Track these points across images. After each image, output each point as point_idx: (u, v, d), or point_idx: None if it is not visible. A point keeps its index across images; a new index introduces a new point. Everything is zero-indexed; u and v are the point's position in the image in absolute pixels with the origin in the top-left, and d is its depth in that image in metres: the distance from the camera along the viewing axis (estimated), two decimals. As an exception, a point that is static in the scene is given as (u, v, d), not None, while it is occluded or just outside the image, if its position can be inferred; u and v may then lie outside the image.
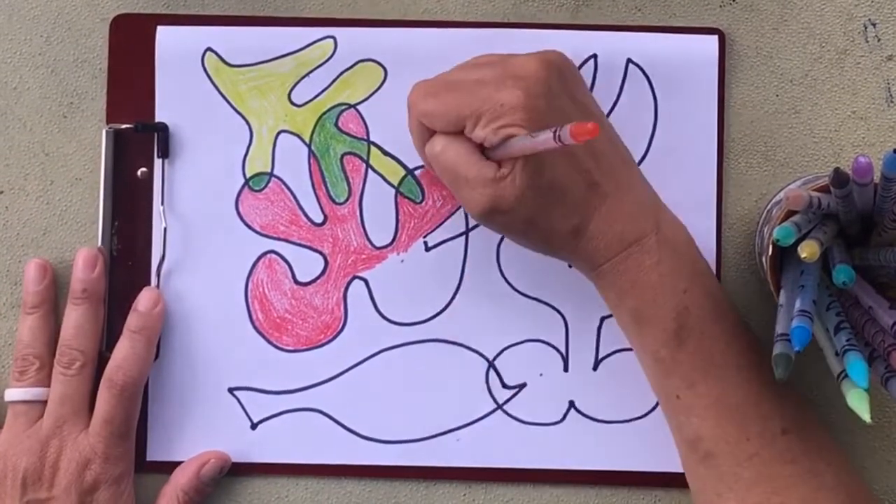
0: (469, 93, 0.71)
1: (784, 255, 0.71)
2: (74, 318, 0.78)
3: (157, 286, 0.80)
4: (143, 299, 0.79)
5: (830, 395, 0.80)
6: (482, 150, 0.71)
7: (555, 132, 0.63)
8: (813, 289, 0.68)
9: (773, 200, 0.78)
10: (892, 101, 0.80)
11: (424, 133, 0.73)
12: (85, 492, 0.76)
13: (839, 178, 0.64)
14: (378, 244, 0.81)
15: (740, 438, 0.71)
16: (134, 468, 0.79)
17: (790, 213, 0.71)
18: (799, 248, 0.64)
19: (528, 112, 0.69)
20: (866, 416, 0.63)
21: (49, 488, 0.76)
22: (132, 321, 0.78)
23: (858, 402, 0.63)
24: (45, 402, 0.77)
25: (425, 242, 0.81)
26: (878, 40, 0.80)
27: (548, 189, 0.70)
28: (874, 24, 0.80)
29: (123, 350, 0.78)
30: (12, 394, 0.77)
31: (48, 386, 0.78)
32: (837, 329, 0.68)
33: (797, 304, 0.67)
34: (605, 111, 0.80)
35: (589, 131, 0.60)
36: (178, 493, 0.79)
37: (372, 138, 0.81)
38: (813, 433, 0.73)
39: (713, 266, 0.80)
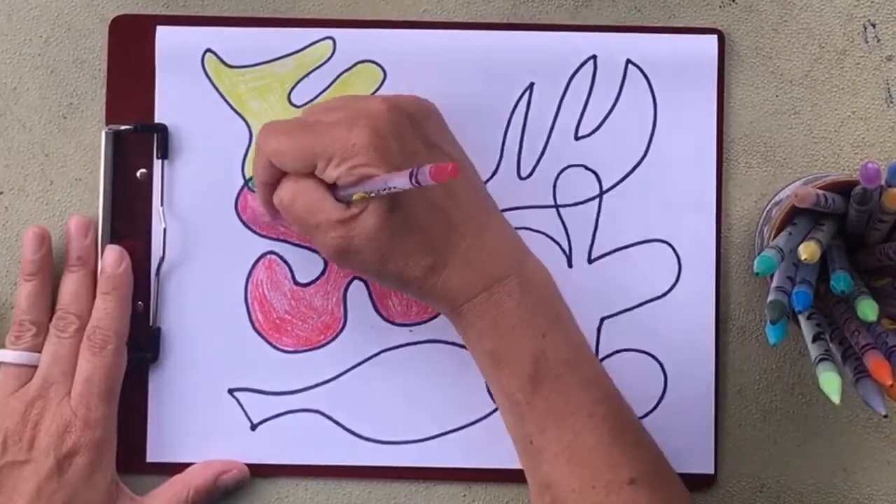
0: (321, 132, 0.70)
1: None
2: (71, 284, 0.79)
3: (157, 287, 0.80)
4: (108, 259, 0.79)
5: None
6: (333, 192, 0.71)
7: (412, 173, 0.63)
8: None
9: (773, 201, 0.78)
10: (891, 102, 0.80)
11: (272, 175, 0.72)
12: (63, 455, 0.76)
13: (864, 196, 0.66)
14: (378, 245, 0.81)
15: (586, 486, 0.71)
16: (116, 439, 0.78)
17: (790, 214, 0.71)
18: (799, 250, 0.64)
19: (379, 151, 0.69)
20: (836, 399, 0.64)
21: (28, 450, 0.76)
22: (101, 283, 0.79)
23: (828, 385, 0.64)
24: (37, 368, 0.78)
25: (425, 243, 0.81)
26: (878, 41, 0.80)
27: (402, 229, 0.70)
28: (874, 25, 0.80)
29: (98, 311, 0.78)
30: (5, 355, 0.78)
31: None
32: (815, 338, 0.68)
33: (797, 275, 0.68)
34: (605, 112, 0.80)
35: (449, 172, 0.61)
36: (189, 490, 0.79)
37: (371, 139, 0.81)
38: (662, 483, 0.73)
39: (713, 266, 0.80)
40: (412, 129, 0.72)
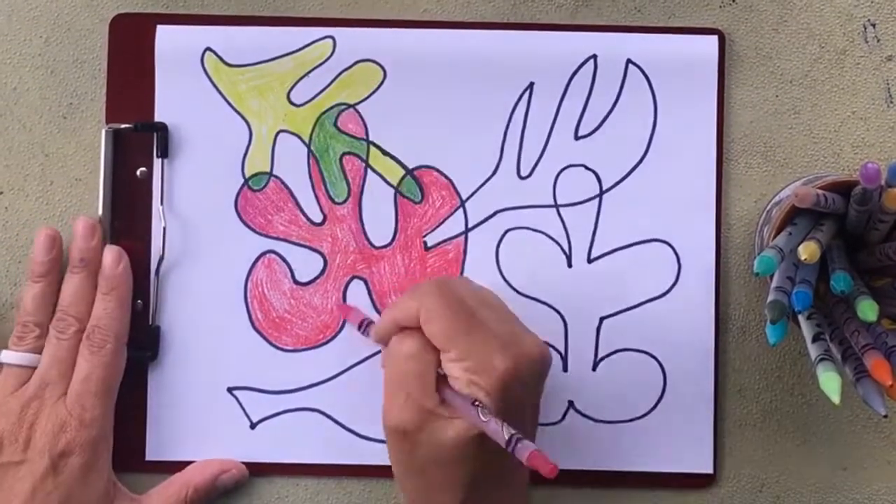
0: (477, 334, 0.69)
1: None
2: (72, 285, 0.78)
3: (157, 285, 0.80)
4: (107, 259, 0.79)
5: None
6: (438, 377, 0.71)
7: (511, 442, 0.64)
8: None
9: (773, 201, 0.78)
10: (891, 102, 0.80)
11: (408, 320, 0.72)
12: (58, 455, 0.75)
13: (864, 196, 0.66)
14: (377, 244, 0.81)
15: None
16: (112, 439, 0.78)
17: (790, 215, 0.71)
18: (799, 250, 0.64)
19: (504, 394, 0.68)
20: (836, 399, 0.64)
21: (23, 451, 0.76)
22: (100, 283, 0.78)
23: (829, 385, 0.64)
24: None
25: (424, 242, 0.81)
26: (878, 41, 0.80)
27: (464, 462, 0.70)
28: (874, 25, 0.80)
29: (97, 310, 0.78)
30: (7, 356, 0.78)
31: None
32: (815, 338, 0.68)
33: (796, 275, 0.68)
34: (605, 112, 0.80)
35: (547, 471, 0.63)
36: (188, 489, 0.79)
37: (371, 138, 0.81)
38: None
39: (712, 266, 0.80)
40: (535, 388, 0.72)
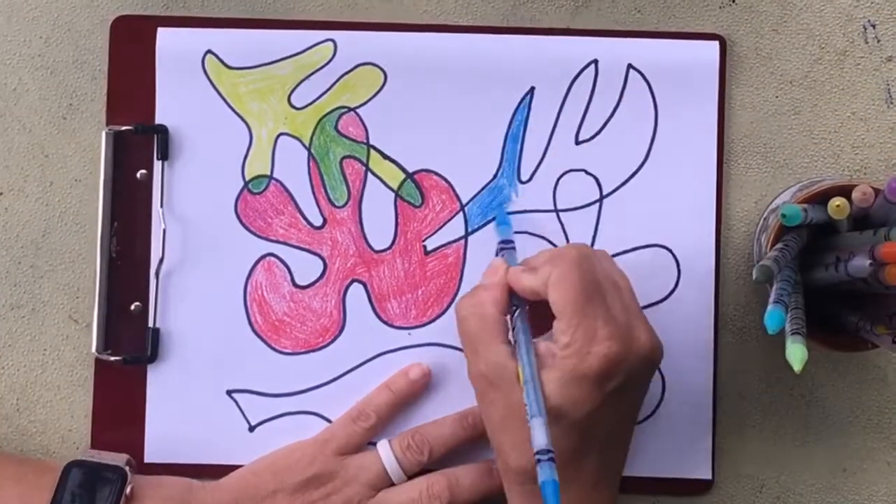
0: (593, 313, 0.69)
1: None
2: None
3: (156, 287, 0.80)
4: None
5: (831, 396, 0.80)
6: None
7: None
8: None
9: (770, 207, 0.78)
10: (891, 102, 0.80)
11: (535, 286, 0.72)
12: None
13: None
14: (377, 247, 0.81)
15: None
16: None
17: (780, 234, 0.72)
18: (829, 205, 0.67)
19: (600, 379, 0.68)
20: (797, 367, 0.65)
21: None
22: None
23: (793, 355, 0.66)
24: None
25: (424, 246, 0.81)
26: (878, 41, 0.80)
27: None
28: (874, 26, 0.80)
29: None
30: (386, 455, 0.78)
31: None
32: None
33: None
34: (606, 117, 0.80)
35: None
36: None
37: (372, 142, 0.81)
38: None
39: (712, 271, 0.80)
40: (636, 382, 0.72)
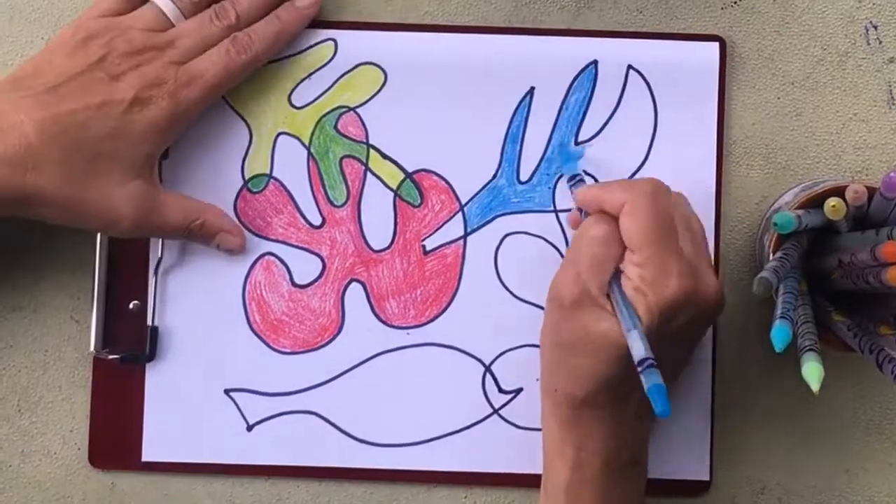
0: (665, 248, 0.69)
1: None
2: None
3: (155, 286, 0.80)
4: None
5: (832, 397, 0.80)
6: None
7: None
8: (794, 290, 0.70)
9: (773, 208, 0.78)
10: (893, 104, 0.80)
11: (607, 203, 0.71)
12: (140, 99, 0.74)
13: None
14: (376, 247, 0.80)
15: None
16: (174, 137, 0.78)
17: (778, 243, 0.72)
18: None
19: (664, 317, 0.68)
20: (815, 387, 0.64)
21: (116, 76, 0.74)
22: (281, 8, 0.79)
23: (810, 374, 0.65)
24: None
25: (423, 246, 0.81)
26: (880, 42, 0.80)
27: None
28: (875, 27, 0.80)
29: (262, 24, 0.78)
30: None
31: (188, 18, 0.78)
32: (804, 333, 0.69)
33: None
34: (605, 117, 0.80)
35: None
36: (200, 218, 0.78)
37: (371, 141, 0.80)
38: None
39: (714, 271, 0.80)
40: (697, 326, 0.73)
